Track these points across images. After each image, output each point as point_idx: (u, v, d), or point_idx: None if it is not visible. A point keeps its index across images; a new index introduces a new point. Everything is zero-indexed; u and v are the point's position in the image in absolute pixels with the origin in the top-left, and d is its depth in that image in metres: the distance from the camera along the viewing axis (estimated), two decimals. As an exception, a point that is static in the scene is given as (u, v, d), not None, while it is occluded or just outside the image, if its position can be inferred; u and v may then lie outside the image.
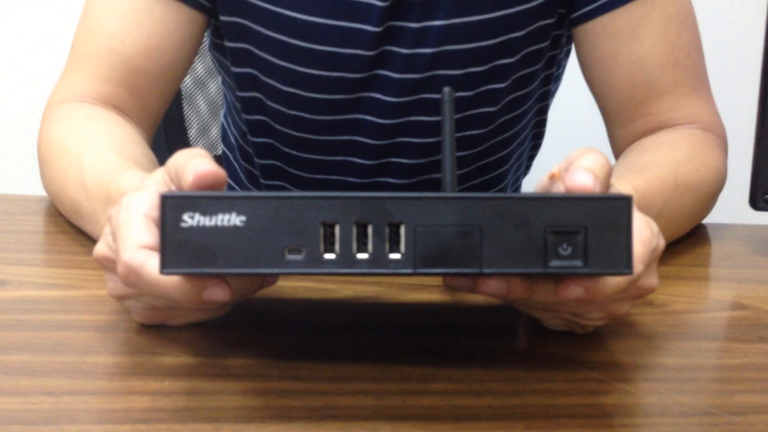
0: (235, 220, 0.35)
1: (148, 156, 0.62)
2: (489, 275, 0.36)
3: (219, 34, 0.73)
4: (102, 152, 0.57)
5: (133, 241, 0.40)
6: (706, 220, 0.69)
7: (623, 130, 0.70)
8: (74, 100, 0.67)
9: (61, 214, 0.62)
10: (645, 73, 0.67)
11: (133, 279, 0.39)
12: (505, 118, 0.74)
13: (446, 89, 0.45)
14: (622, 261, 0.35)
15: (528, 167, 0.88)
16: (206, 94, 1.10)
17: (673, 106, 0.67)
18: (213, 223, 0.35)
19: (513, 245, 0.35)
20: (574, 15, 0.69)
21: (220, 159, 1.06)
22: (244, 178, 0.84)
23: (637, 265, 0.39)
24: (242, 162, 0.83)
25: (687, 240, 0.65)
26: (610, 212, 0.35)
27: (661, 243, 0.43)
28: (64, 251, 0.56)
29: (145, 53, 0.68)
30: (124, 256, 0.39)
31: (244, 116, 0.77)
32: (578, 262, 0.35)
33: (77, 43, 0.69)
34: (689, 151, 0.63)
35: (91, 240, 0.56)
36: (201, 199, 0.36)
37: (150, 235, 0.40)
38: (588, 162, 0.41)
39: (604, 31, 0.67)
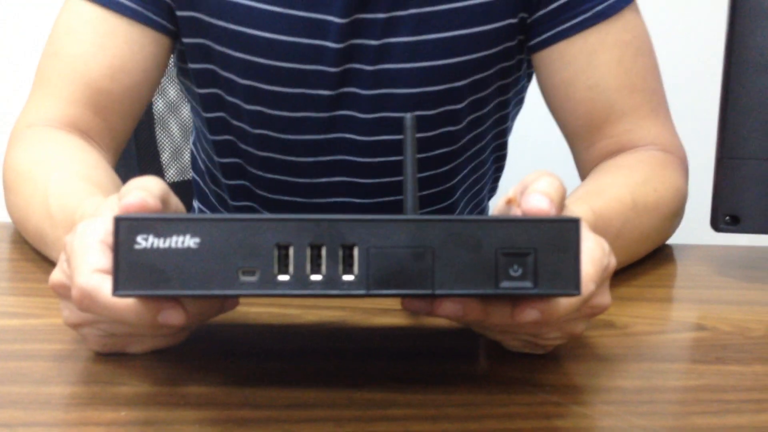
0: (189, 242, 0.35)
1: (114, 181, 0.62)
2: (441, 296, 0.37)
3: (183, 58, 0.74)
4: (67, 179, 0.57)
5: (88, 265, 0.39)
6: (671, 241, 0.70)
7: (586, 152, 0.72)
8: (40, 125, 0.67)
9: (26, 241, 0.61)
10: (602, 97, 0.68)
11: (87, 303, 0.39)
12: (467, 137, 0.75)
13: (408, 115, 0.46)
14: (571, 282, 0.36)
15: (493, 189, 0.89)
16: (179, 117, 1.10)
17: (632, 129, 0.69)
18: (167, 244, 0.35)
19: (465, 266, 0.35)
20: (532, 42, 0.70)
21: (190, 184, 1.07)
22: (214, 202, 0.85)
23: (589, 284, 0.40)
24: (211, 185, 0.83)
25: (651, 260, 0.66)
26: (559, 234, 0.35)
27: (612, 262, 0.44)
28: (28, 279, 0.56)
29: (110, 75, 0.68)
30: (79, 280, 0.39)
31: (211, 137, 0.77)
32: (528, 283, 0.35)
33: (42, 68, 0.70)
34: (648, 172, 0.64)
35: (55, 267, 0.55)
36: (155, 221, 0.36)
37: (105, 259, 0.40)
38: (543, 185, 0.42)
39: (561, 58, 0.69)
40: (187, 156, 1.11)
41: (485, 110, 0.74)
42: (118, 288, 0.35)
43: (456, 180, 0.78)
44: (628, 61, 0.69)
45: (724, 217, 0.61)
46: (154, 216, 0.36)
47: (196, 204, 0.90)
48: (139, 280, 0.35)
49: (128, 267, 0.35)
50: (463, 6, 0.68)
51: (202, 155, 0.83)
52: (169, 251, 0.35)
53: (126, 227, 0.35)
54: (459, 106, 0.72)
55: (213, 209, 0.84)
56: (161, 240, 0.35)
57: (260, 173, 0.76)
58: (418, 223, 0.35)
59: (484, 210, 0.88)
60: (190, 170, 1.09)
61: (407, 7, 0.68)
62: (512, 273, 0.35)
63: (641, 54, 0.70)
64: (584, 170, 0.72)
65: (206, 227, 0.35)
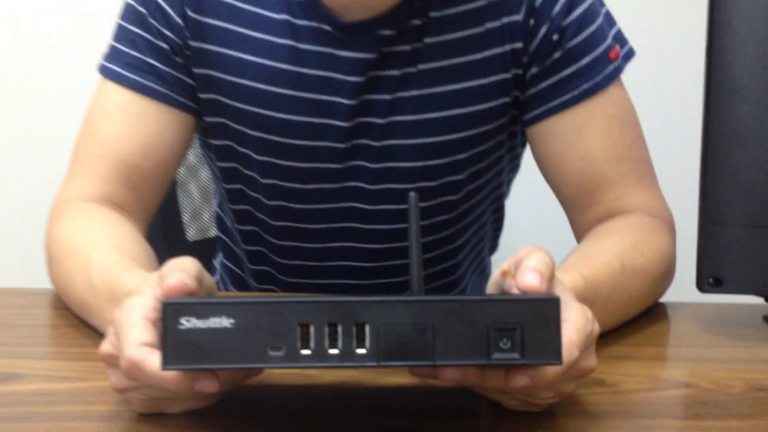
0: (225, 322, 0.41)
1: (147, 251, 0.68)
2: (442, 366, 0.42)
3: (205, 134, 0.81)
4: (106, 253, 0.63)
5: (135, 339, 0.45)
6: (664, 298, 0.75)
7: (580, 218, 0.77)
8: (78, 201, 0.73)
9: (67, 308, 0.67)
10: (592, 167, 0.74)
11: (134, 373, 0.45)
12: (466, 205, 0.81)
13: (412, 194, 0.52)
14: (554, 353, 0.41)
15: (494, 246, 0.95)
16: (198, 181, 1.17)
17: (621, 195, 0.74)
18: (206, 325, 0.41)
19: (461, 340, 0.41)
20: (525, 118, 0.77)
21: (209, 242, 1.13)
22: (241, 262, 0.90)
23: (573, 351, 0.45)
24: (235, 248, 0.90)
25: (643, 318, 0.71)
26: (541, 311, 0.41)
27: (596, 328, 0.49)
28: (73, 344, 0.62)
29: (141, 152, 0.75)
30: (127, 353, 0.45)
31: (230, 206, 0.84)
32: (516, 355, 0.41)
33: (79, 148, 0.76)
34: (636, 237, 0.70)
35: (97, 333, 0.61)
36: (196, 305, 0.42)
37: (149, 334, 0.46)
38: (534, 262, 0.47)
39: (552, 131, 0.75)
40: (205, 216, 1.17)
41: (483, 179, 0.81)
42: (165, 363, 0.41)
43: (458, 242, 0.84)
44: (615, 133, 0.75)
45: (708, 279, 0.66)
46: (195, 300, 0.42)
47: (220, 261, 0.96)
48: (183, 355, 0.41)
49: (174, 344, 0.41)
50: (461, 87, 0.75)
51: (227, 222, 0.89)
52: (208, 330, 0.41)
53: (172, 311, 0.41)
54: (459, 177, 0.78)
55: (240, 268, 0.90)
56: (201, 321, 0.41)
57: (275, 241, 0.82)
58: (420, 303, 0.41)
59: (486, 266, 0.93)
60: (209, 230, 1.16)
61: (410, 89, 0.75)
62: (502, 346, 0.41)
63: (627, 126, 0.76)
64: (579, 234, 0.78)
65: (239, 310, 0.41)
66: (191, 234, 1.16)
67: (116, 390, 0.49)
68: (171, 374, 0.44)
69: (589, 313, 0.49)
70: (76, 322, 0.65)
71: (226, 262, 0.94)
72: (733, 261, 0.65)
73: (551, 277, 0.48)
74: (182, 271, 0.47)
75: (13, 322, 0.67)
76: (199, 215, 1.17)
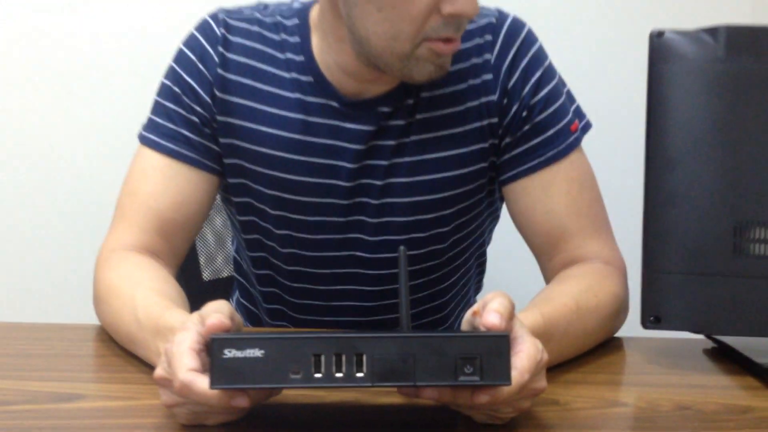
0: (257, 353, 0.54)
1: (180, 292, 0.81)
2: (422, 387, 0.55)
3: (228, 191, 0.94)
4: (148, 295, 0.76)
5: (185, 365, 0.58)
6: (622, 333, 0.88)
7: (548, 264, 0.91)
8: (121, 249, 0.86)
9: (111, 340, 0.80)
10: (556, 221, 0.88)
11: (185, 392, 0.57)
12: (452, 252, 0.94)
13: (401, 248, 0.65)
14: (505, 376, 0.54)
15: (479, 287, 1.08)
16: (213, 228, 1.30)
17: (581, 245, 0.88)
18: (243, 355, 0.54)
19: (436, 366, 0.54)
20: (501, 178, 0.90)
21: (222, 282, 1.26)
22: (256, 302, 1.03)
23: (525, 374, 0.58)
24: (250, 289, 1.03)
25: (599, 350, 0.83)
26: (495, 345, 0.54)
27: (545, 357, 0.61)
28: (121, 370, 0.74)
29: (174, 208, 0.88)
30: (180, 376, 0.58)
31: (248, 254, 0.97)
32: (477, 378, 0.54)
33: (121, 204, 0.90)
34: (590, 281, 0.83)
35: (140, 361, 0.74)
36: (235, 340, 0.55)
37: (195, 361, 0.58)
38: (496, 305, 0.60)
39: (523, 190, 0.89)
40: (219, 260, 1.30)
41: (467, 231, 0.94)
42: (213, 384, 0.54)
43: (446, 284, 0.97)
44: (575, 193, 0.89)
45: (649, 318, 0.79)
46: (234, 336, 0.55)
47: (236, 299, 1.09)
48: (225, 378, 0.54)
49: (219, 369, 0.54)
50: (447, 155, 0.88)
51: (244, 266, 1.02)
52: (244, 359, 0.54)
53: (218, 344, 0.54)
54: (445, 229, 0.92)
55: (255, 306, 1.03)
56: (239, 351, 0.54)
57: (288, 283, 0.95)
58: (405, 338, 0.54)
59: (470, 303, 1.06)
60: (222, 271, 1.29)
61: (404, 156, 0.88)
62: (466, 371, 0.53)
63: (585, 187, 0.90)
64: (548, 278, 0.91)
65: (268, 343, 0.54)
66: (206, 275, 1.29)
67: (166, 406, 0.61)
68: (215, 392, 0.56)
69: (539, 344, 0.61)
70: (120, 352, 0.78)
71: (242, 300, 1.07)
72: (670, 303, 0.78)
73: (510, 317, 0.61)
74: (220, 312, 0.60)
75: (69, 352, 0.80)
76: (214, 259, 1.31)
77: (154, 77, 0.93)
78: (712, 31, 0.76)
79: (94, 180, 1.59)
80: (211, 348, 0.54)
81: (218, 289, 1.26)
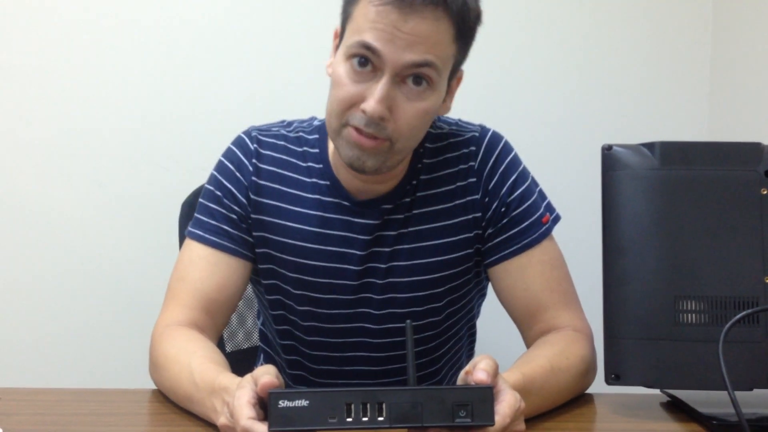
0: (303, 403, 0.71)
1: (224, 360, 0.97)
2: (427, 427, 0.72)
3: (258, 274, 1.12)
4: (202, 362, 0.93)
5: (246, 415, 0.75)
6: (592, 390, 1.04)
7: (527, 333, 1.08)
8: (173, 326, 1.03)
9: (165, 401, 0.97)
10: (532, 296, 1.06)
11: (249, 436, 0.74)
12: (445, 324, 1.12)
13: (408, 322, 0.83)
14: (490, 418, 0.72)
15: (470, 355, 1.25)
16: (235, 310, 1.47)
17: (554, 316, 1.06)
18: (293, 404, 0.71)
19: (437, 411, 0.71)
20: (485, 262, 1.09)
21: (242, 353, 1.42)
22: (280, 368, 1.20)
23: (506, 418, 0.75)
24: (282, 355, 1.20)
25: (572, 404, 1.00)
26: (482, 395, 0.72)
27: (523, 405, 0.78)
28: (180, 423, 0.90)
29: (217, 290, 1.06)
30: (242, 423, 0.74)
31: (274, 327, 1.15)
32: (469, 420, 0.71)
33: (172, 288, 1.07)
34: (563, 346, 1.00)
35: (196, 417, 0.90)
36: (287, 393, 0.72)
37: (252, 412, 0.75)
38: (483, 365, 0.78)
39: (504, 271, 1.07)
40: (240, 335, 1.47)
41: (458, 305, 1.12)
42: (271, 427, 0.71)
43: (440, 352, 1.15)
44: (548, 273, 1.07)
45: (611, 376, 0.96)
46: (286, 390, 0.73)
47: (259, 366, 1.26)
48: (280, 423, 0.71)
49: (275, 416, 0.71)
50: (439, 243, 1.08)
51: (270, 336, 1.20)
52: (294, 408, 0.71)
53: (275, 397, 0.72)
54: (440, 304, 1.10)
55: (280, 371, 1.20)
56: (290, 402, 0.71)
57: (308, 351, 1.12)
58: (415, 391, 0.72)
59: (461, 368, 1.23)
60: (243, 344, 1.45)
61: (403, 243, 1.07)
62: (461, 414, 0.71)
63: (556, 267, 1.08)
64: (527, 344, 1.09)
65: (312, 396, 0.72)
66: (228, 347, 1.46)
67: (228, 448, 0.78)
68: (270, 435, 0.73)
69: (518, 396, 0.79)
70: (175, 409, 0.94)
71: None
72: (627, 363, 0.95)
73: (495, 374, 0.79)
74: (269, 373, 0.78)
75: (134, 411, 0.97)
76: (235, 335, 1.48)
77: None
78: (650, 146, 0.97)
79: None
80: (269, 400, 0.72)
81: (240, 359, 1.42)
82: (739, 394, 0.92)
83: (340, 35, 0.99)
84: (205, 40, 1.81)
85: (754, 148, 0.96)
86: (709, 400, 0.96)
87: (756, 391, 0.93)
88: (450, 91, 1.02)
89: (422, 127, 1.00)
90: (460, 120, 1.13)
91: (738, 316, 0.90)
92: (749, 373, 0.93)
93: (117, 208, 1.81)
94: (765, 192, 0.94)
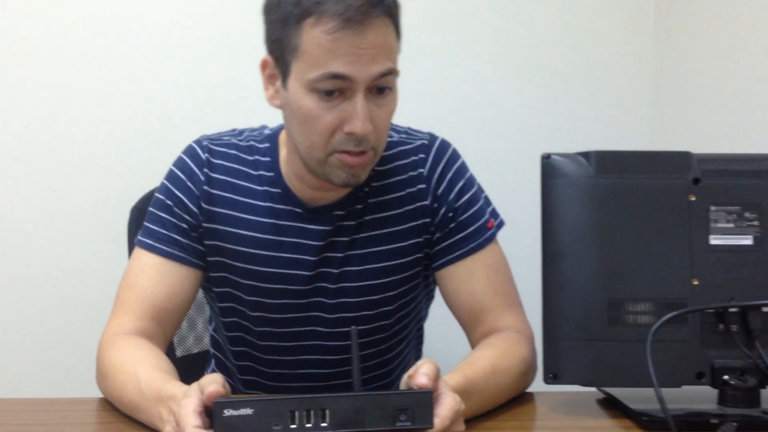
0: (248, 411, 0.73)
1: (173, 368, 0.98)
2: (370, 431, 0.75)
3: (209, 282, 1.14)
4: (149, 370, 0.94)
5: (191, 423, 0.76)
6: (530, 389, 1.08)
7: (472, 335, 1.12)
8: (121, 334, 1.04)
9: (112, 410, 0.97)
10: (476, 299, 1.10)
11: (192, 444, 0.76)
12: (395, 327, 1.15)
13: (353, 328, 0.85)
14: (429, 422, 0.74)
15: (418, 356, 1.28)
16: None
17: (497, 318, 1.09)
18: (238, 413, 0.73)
19: (379, 416, 0.74)
20: (433, 266, 1.13)
21: (192, 357, 1.43)
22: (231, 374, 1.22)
23: (446, 420, 0.78)
24: (233, 361, 1.21)
25: (513, 403, 1.04)
26: (421, 399, 0.75)
27: (462, 406, 0.81)
28: (129, 432, 0.92)
29: (167, 298, 1.07)
30: (187, 431, 0.76)
31: (226, 333, 1.16)
32: (409, 423, 0.74)
33: (121, 296, 1.08)
34: (504, 347, 1.04)
35: (142, 425, 0.91)
36: (233, 402, 0.74)
37: (199, 420, 0.77)
38: (425, 369, 0.81)
39: (450, 274, 1.11)
40: (190, 340, 1.48)
41: (407, 309, 1.15)
42: (215, 436, 0.73)
43: (391, 354, 1.17)
44: (492, 276, 1.11)
45: (549, 375, 1.00)
46: (231, 399, 0.74)
47: (211, 371, 1.27)
48: (226, 430, 0.73)
49: (220, 424, 0.73)
50: (390, 248, 1.10)
51: (221, 342, 1.21)
52: (238, 416, 0.73)
53: (220, 406, 0.73)
54: (390, 308, 1.13)
55: (230, 377, 1.21)
56: (235, 411, 0.73)
57: (261, 355, 1.14)
58: (357, 397, 0.74)
59: (410, 367, 1.26)
60: (192, 349, 1.46)
61: (355, 249, 1.10)
62: (402, 418, 0.74)
63: (500, 271, 1.12)
64: (472, 345, 1.12)
65: (256, 404, 0.73)
66: (179, 352, 1.46)
67: (175, 456, 0.79)
68: (215, 443, 0.75)
69: (458, 398, 0.82)
70: (122, 418, 0.95)
71: (217, 371, 1.25)
72: (564, 363, 0.99)
73: (436, 378, 0.82)
74: (215, 382, 0.79)
75: (81, 420, 0.97)
76: (185, 339, 1.48)
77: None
78: (586, 155, 1.01)
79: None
80: (215, 409, 0.73)
81: (190, 364, 1.43)
82: (670, 391, 0.97)
83: (281, 67, 0.99)
84: (153, 42, 1.80)
85: (684, 156, 1.00)
86: (642, 397, 1.01)
87: (685, 387, 0.98)
88: None
89: (390, 126, 1.04)
90: (409, 128, 1.16)
91: (666, 317, 0.95)
92: (679, 370, 0.98)
93: (65, 212, 1.79)
94: (693, 198, 0.99)
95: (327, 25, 0.92)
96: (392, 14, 0.97)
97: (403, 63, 1.02)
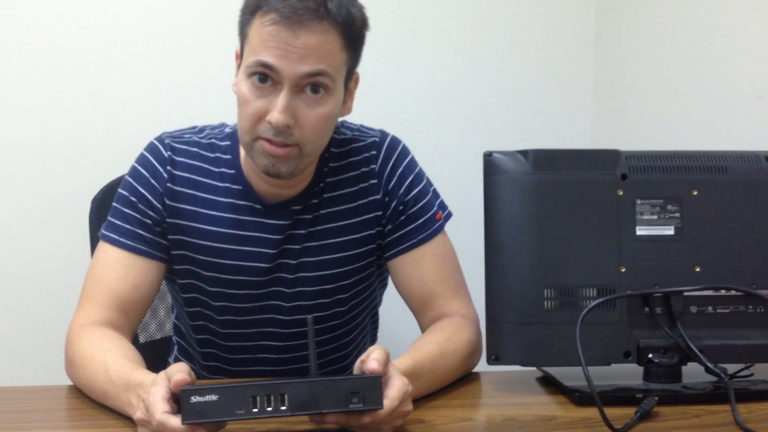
0: (213, 398, 0.80)
1: (139, 356, 1.04)
2: (325, 413, 0.82)
3: (173, 274, 1.19)
4: (118, 359, 1.00)
5: (160, 409, 0.82)
6: (476, 369, 1.17)
7: (422, 320, 1.20)
8: (89, 325, 1.09)
9: (82, 397, 1.02)
10: (426, 286, 1.17)
11: (162, 428, 0.82)
12: (351, 314, 1.22)
13: (309, 317, 0.92)
14: (379, 403, 0.82)
15: (374, 340, 1.36)
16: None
17: (445, 304, 1.17)
18: (204, 399, 0.79)
19: (334, 399, 0.81)
20: (385, 256, 1.20)
21: (154, 343, 1.48)
22: (193, 359, 1.28)
23: (395, 401, 0.85)
24: (189, 349, 1.27)
25: (459, 383, 1.12)
26: (371, 383, 0.82)
27: (410, 388, 0.89)
28: (98, 418, 0.97)
29: (131, 289, 1.12)
30: (156, 417, 0.82)
31: (190, 322, 1.22)
32: (360, 405, 0.81)
33: (87, 288, 1.13)
34: (451, 332, 1.12)
35: (111, 411, 0.97)
36: (199, 390, 0.80)
37: (167, 406, 0.83)
38: (375, 355, 0.88)
39: (401, 263, 1.18)
40: (152, 326, 1.53)
41: (362, 296, 1.23)
42: (184, 420, 0.79)
43: (347, 339, 1.25)
44: (440, 265, 1.19)
45: (491, 356, 1.08)
46: (197, 387, 0.81)
47: (174, 357, 1.33)
48: (192, 416, 0.79)
49: (188, 410, 0.79)
50: (344, 239, 1.17)
51: (184, 330, 1.27)
52: (204, 402, 0.79)
53: (187, 393, 0.80)
54: (345, 296, 1.20)
55: (193, 362, 1.27)
56: (201, 397, 0.79)
57: (223, 342, 1.20)
58: (312, 382, 0.81)
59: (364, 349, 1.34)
60: (155, 335, 1.51)
61: (312, 241, 1.16)
62: (354, 400, 0.81)
63: (448, 260, 1.20)
64: (422, 329, 1.20)
65: (220, 391, 0.80)
66: (142, 338, 1.52)
67: (145, 440, 0.86)
68: (183, 427, 0.81)
69: (406, 380, 0.89)
70: (91, 404, 1.00)
71: (180, 357, 1.31)
72: (505, 345, 1.07)
73: (386, 362, 0.89)
74: (182, 371, 0.85)
75: (52, 407, 1.03)
76: (148, 326, 1.53)
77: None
78: (524, 153, 1.09)
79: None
80: (182, 396, 0.80)
81: (152, 350, 1.49)
82: (600, 369, 1.07)
83: (240, 55, 1.07)
84: (111, 30, 1.82)
85: (613, 154, 1.09)
86: (577, 375, 1.09)
87: (614, 365, 1.08)
88: (349, 93, 1.12)
89: (327, 130, 1.09)
90: (362, 126, 1.23)
91: (595, 302, 1.04)
92: (608, 350, 1.07)
93: (25, 202, 1.81)
94: (621, 193, 1.08)
95: (267, 18, 1.01)
96: (338, 22, 1.02)
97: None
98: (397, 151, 1.19)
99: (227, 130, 1.19)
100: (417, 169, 1.20)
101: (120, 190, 1.16)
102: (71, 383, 1.07)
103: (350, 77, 1.10)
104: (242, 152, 1.15)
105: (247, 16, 1.04)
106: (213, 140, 1.17)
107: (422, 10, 1.96)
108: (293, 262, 1.16)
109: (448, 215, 1.22)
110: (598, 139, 2.05)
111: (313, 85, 1.03)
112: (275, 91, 1.03)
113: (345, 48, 1.05)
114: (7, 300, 1.82)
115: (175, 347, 1.34)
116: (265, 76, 1.02)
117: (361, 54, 1.10)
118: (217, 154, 1.16)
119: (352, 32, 1.05)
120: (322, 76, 1.03)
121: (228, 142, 1.17)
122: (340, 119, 1.18)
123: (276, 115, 1.02)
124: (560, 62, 2.05)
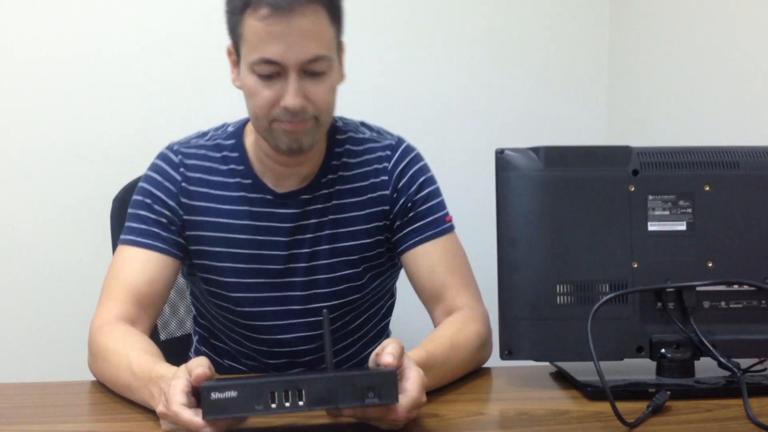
0: (232, 394, 0.82)
1: (159, 351, 1.07)
2: (341, 408, 0.84)
3: (192, 268, 1.22)
4: (140, 353, 1.02)
5: (178, 403, 0.85)
6: (487, 365, 1.18)
7: (434, 313, 1.22)
8: (110, 321, 1.12)
9: (105, 391, 1.05)
10: (436, 277, 1.19)
11: (176, 420, 0.84)
12: (365, 300, 1.25)
13: (325, 311, 0.94)
14: (394, 397, 0.84)
15: (383, 332, 1.37)
16: (168, 301, 1.55)
17: (455, 296, 1.19)
18: (224, 396, 0.81)
19: (350, 393, 0.83)
20: (397, 251, 1.22)
21: (173, 341, 1.51)
22: (215, 349, 1.31)
23: (413, 392, 0.86)
24: (209, 342, 1.30)
25: (471, 376, 1.13)
26: (387, 377, 0.84)
27: (425, 379, 0.90)
28: (120, 411, 1.00)
29: (149, 284, 1.15)
30: (173, 408, 0.84)
31: (210, 314, 1.25)
32: (376, 400, 0.83)
33: (107, 285, 1.16)
34: (461, 325, 1.13)
35: (134, 404, 0.99)
36: (218, 386, 0.82)
37: (186, 400, 0.85)
38: (390, 349, 0.90)
39: (413, 257, 1.21)
40: (172, 325, 1.56)
41: (374, 284, 1.25)
42: (205, 416, 0.81)
43: (363, 330, 1.27)
44: (450, 259, 1.21)
45: (504, 351, 1.10)
46: (217, 383, 0.82)
47: (194, 351, 1.36)
48: (212, 411, 0.81)
49: (208, 405, 0.81)
50: (354, 229, 1.20)
51: (205, 324, 1.30)
52: (224, 398, 0.81)
53: (207, 388, 0.82)
54: (359, 283, 1.23)
55: (217, 354, 1.30)
56: (221, 393, 0.81)
57: (244, 332, 1.23)
58: (329, 377, 0.83)
59: (378, 342, 1.35)
60: (175, 333, 1.54)
61: (324, 230, 1.20)
62: (370, 395, 0.83)
63: (457, 255, 1.22)
64: (435, 324, 1.22)
65: (239, 387, 0.82)
66: (162, 336, 1.54)
67: (165, 431, 0.88)
68: (200, 421, 0.83)
69: (421, 372, 0.91)
70: (114, 399, 1.03)
71: (201, 349, 1.34)
72: (518, 340, 1.08)
73: (401, 356, 0.91)
74: (202, 366, 0.88)
75: (76, 402, 1.05)
76: (168, 324, 1.56)
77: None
78: (536, 150, 1.10)
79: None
80: (202, 392, 0.82)
81: (173, 347, 1.51)
82: (613, 363, 1.08)
83: (236, 53, 1.12)
84: (130, 34, 1.84)
85: (624, 150, 1.10)
86: (590, 370, 1.10)
87: (627, 360, 1.09)
88: (340, 62, 1.16)
89: (335, 98, 1.15)
90: (381, 129, 1.28)
91: (607, 297, 1.05)
92: (620, 345, 1.08)
93: (48, 203, 1.84)
94: (633, 189, 1.09)
95: (259, 13, 1.04)
96: (324, 2, 1.07)
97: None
98: (411, 155, 1.24)
99: (230, 129, 1.24)
100: (428, 174, 1.25)
101: (135, 196, 1.20)
102: (94, 379, 1.10)
103: (339, 48, 1.15)
104: (249, 142, 1.20)
105: (237, 17, 1.08)
106: (218, 141, 1.22)
107: (436, 8, 1.97)
108: (307, 250, 1.20)
109: (453, 226, 1.25)
110: (612, 136, 2.05)
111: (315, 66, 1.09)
112: (282, 78, 1.08)
113: (332, 23, 1.10)
114: (33, 298, 1.85)
115: (194, 341, 1.37)
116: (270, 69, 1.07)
117: (343, 23, 1.14)
118: (224, 153, 1.21)
119: (335, 6, 1.10)
120: (322, 59, 1.08)
121: (233, 140, 1.22)
122: (359, 119, 1.26)
123: (290, 100, 1.07)
124: (575, 60, 2.05)
